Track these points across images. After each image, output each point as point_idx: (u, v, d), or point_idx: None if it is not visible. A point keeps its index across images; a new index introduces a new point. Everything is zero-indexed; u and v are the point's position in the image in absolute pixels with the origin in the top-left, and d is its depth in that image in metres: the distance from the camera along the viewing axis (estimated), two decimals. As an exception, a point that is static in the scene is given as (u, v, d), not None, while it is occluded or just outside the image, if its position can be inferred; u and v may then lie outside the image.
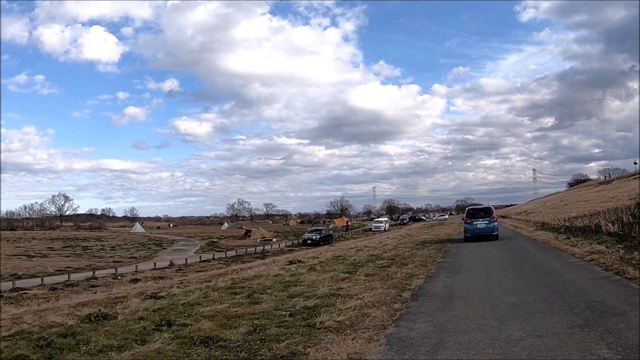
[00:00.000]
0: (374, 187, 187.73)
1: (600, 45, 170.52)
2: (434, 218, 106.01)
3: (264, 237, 60.74)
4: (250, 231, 65.76)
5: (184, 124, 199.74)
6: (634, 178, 65.43)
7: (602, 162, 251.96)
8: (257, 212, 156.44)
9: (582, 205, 41.26)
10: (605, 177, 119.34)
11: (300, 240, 50.21)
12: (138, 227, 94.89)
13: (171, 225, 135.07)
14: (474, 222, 23.00)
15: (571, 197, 62.67)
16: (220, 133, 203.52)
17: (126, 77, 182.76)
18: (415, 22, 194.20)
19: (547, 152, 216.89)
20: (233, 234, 75.24)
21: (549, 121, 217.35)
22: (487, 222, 23.02)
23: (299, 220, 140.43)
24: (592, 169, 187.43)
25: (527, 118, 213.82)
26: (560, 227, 25.37)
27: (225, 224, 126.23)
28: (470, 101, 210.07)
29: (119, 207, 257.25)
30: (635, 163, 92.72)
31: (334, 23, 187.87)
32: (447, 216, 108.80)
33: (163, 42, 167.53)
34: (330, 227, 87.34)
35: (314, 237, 47.34)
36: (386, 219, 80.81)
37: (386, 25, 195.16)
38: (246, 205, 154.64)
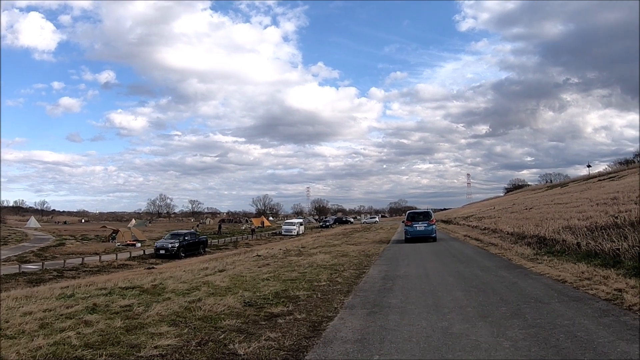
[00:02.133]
0: (307, 188, 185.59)
1: (536, 58, 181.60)
2: (362, 221, 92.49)
3: (126, 242, 44.04)
4: (117, 232, 48.49)
5: (119, 118, 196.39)
6: (610, 178, 54.84)
7: (534, 169, 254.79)
8: (185, 210, 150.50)
9: (562, 209, 27.97)
10: (546, 181, 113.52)
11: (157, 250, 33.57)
12: (32, 222, 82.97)
13: (82, 221, 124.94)
14: (414, 225, 23.87)
15: (532, 200, 50.37)
16: (156, 128, 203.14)
17: (62, 67, 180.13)
18: (356, 26, 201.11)
19: (481, 158, 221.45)
20: (102, 233, 57.20)
21: (484, 128, 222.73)
22: (426, 224, 23.89)
23: (219, 219, 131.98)
24: (525, 176, 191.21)
25: (462, 124, 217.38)
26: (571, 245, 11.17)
27: (133, 221, 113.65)
28: (407, 106, 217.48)
29: (51, 200, 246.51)
30: (588, 166, 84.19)
31: (275, 22, 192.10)
32: (377, 219, 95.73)
33: (101, 32, 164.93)
34: (243, 227, 72.16)
35: (169, 246, 31.17)
36: (300, 220, 65.51)
37: (327, 28, 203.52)
38: (168, 201, 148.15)
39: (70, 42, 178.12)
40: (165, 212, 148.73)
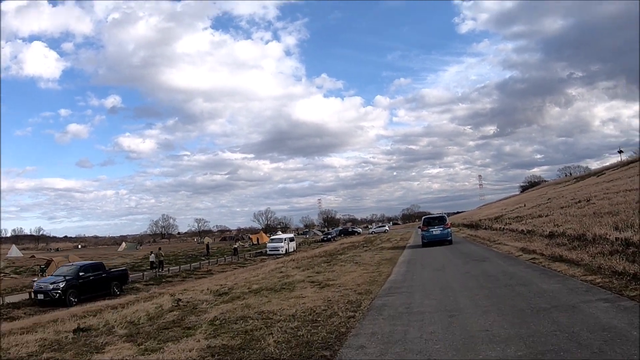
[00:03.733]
0: (319, 200, 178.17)
1: (539, 55, 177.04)
2: (371, 230, 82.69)
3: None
4: (50, 262, 38.80)
5: (128, 141, 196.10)
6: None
7: (545, 167, 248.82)
8: (192, 229, 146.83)
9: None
10: (565, 175, 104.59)
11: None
12: (14, 251, 76.09)
13: (79, 247, 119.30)
14: (430, 230, 24.79)
15: (570, 193, 40.63)
16: (164, 149, 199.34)
17: (68, 94, 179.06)
18: (357, 36, 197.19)
19: (490, 159, 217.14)
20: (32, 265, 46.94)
21: (491, 129, 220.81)
22: (441, 229, 24.60)
23: (221, 237, 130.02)
24: (537, 174, 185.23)
25: (469, 127, 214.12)
26: None
27: (123, 244, 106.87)
28: (413, 112, 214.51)
29: (63, 227, 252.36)
30: (620, 152, 74.31)
31: (276, 37, 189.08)
32: (387, 227, 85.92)
33: (104, 57, 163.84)
34: (236, 244, 62.78)
35: (51, 288, 21.16)
36: (290, 236, 55.20)
37: (328, 39, 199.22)
38: (171, 221, 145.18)
39: (75, 68, 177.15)
40: (167, 232, 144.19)
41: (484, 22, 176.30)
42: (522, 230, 20.73)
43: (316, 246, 57.03)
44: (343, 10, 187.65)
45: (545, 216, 26.04)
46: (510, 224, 27.09)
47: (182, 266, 40.76)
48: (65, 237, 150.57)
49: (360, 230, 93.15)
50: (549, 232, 17.20)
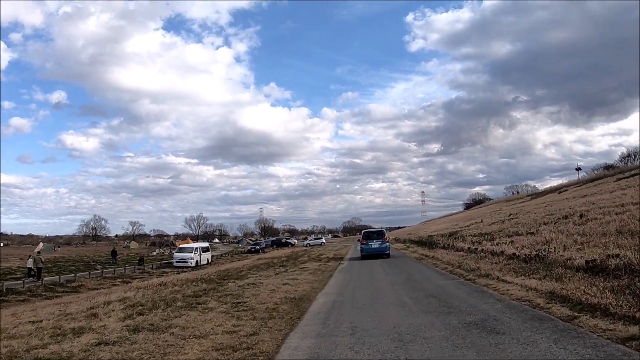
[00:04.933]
0: (261, 208, 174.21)
1: (486, 77, 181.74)
2: (306, 243, 74.56)
3: None
4: None
5: (71, 139, 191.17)
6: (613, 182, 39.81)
7: (487, 186, 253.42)
8: (127, 232, 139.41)
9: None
10: (512, 193, 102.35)
11: None
12: None
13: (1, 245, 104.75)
14: (369, 243, 25.13)
15: (543, 209, 34.64)
16: (108, 149, 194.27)
17: (13, 86, 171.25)
18: (308, 47, 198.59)
19: (434, 176, 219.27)
20: None
21: (435, 147, 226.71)
22: (380, 242, 25.00)
23: (150, 242, 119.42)
24: (480, 193, 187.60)
25: (414, 143, 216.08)
26: None
27: (40, 245, 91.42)
28: (359, 126, 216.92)
29: (2, 224, 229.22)
30: (578, 169, 71.02)
31: (227, 43, 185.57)
32: (324, 240, 78.08)
33: (53, 51, 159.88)
34: (155, 251, 52.78)
35: None
36: (204, 245, 44.88)
37: (278, 48, 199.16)
38: (103, 223, 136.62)
39: (22, 60, 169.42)
40: (97, 234, 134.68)
41: (434, 41, 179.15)
42: (514, 254, 13.23)
43: (239, 258, 48.10)
44: (295, 20, 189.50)
45: (530, 234, 19.01)
46: (481, 242, 19.86)
47: (69, 276, 31.25)
48: (0, 234, 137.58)
49: (295, 241, 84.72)
50: (577, 261, 9.80)
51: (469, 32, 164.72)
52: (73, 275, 31.48)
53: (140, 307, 9.14)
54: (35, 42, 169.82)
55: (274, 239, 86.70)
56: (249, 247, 64.93)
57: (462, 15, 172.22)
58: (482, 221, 39.39)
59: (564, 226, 18.98)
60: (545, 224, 21.50)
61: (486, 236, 22.42)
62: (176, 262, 37.98)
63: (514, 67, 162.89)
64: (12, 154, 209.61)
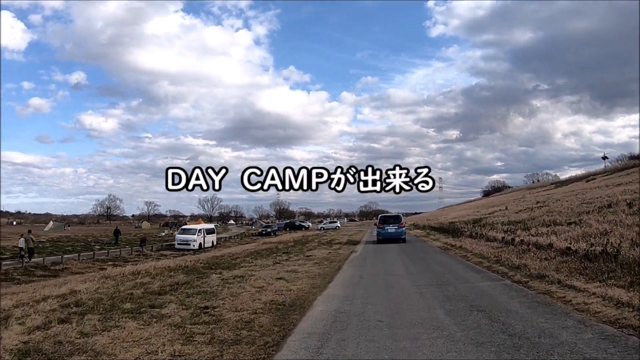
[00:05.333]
0: (278, 192, 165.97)
1: (506, 64, 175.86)
2: (320, 226, 72.27)
3: None
4: None
5: (90, 119, 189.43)
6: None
7: (505, 174, 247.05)
8: (143, 212, 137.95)
9: None
10: (532, 182, 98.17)
11: None
12: None
13: (14, 223, 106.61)
14: (386, 227, 25.21)
15: (580, 195, 31.62)
16: (126, 130, 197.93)
17: (32, 67, 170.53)
18: (328, 32, 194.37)
19: (451, 163, 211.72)
20: None
21: (454, 133, 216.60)
22: (396, 227, 25.04)
23: (163, 223, 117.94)
24: (499, 181, 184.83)
25: (432, 129, 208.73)
26: None
27: (50, 224, 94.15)
28: (378, 111, 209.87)
29: (19, 203, 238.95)
30: (604, 158, 67.11)
31: (247, 25, 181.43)
32: (339, 224, 75.62)
33: (72, 32, 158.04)
34: (163, 232, 51.17)
35: None
36: (209, 226, 42.70)
37: (298, 32, 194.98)
38: (118, 202, 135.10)
39: (41, 41, 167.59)
40: (112, 214, 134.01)
41: (454, 27, 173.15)
42: (569, 248, 10.56)
43: (247, 241, 46.08)
44: (316, 5, 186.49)
45: (571, 224, 16.30)
46: (515, 231, 17.19)
47: (57, 257, 29.75)
48: (19, 212, 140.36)
49: (309, 224, 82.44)
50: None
51: (490, 18, 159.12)
52: (60, 256, 29.84)
53: (75, 309, 6.90)
54: (55, 23, 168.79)
55: (288, 221, 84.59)
56: (261, 230, 62.84)
57: (484, 2, 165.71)
58: (507, 208, 36.48)
59: (612, 216, 16.27)
60: (586, 212, 18.73)
61: (518, 225, 19.71)
62: (178, 244, 35.98)
63: (535, 55, 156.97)
64: (31, 133, 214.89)
